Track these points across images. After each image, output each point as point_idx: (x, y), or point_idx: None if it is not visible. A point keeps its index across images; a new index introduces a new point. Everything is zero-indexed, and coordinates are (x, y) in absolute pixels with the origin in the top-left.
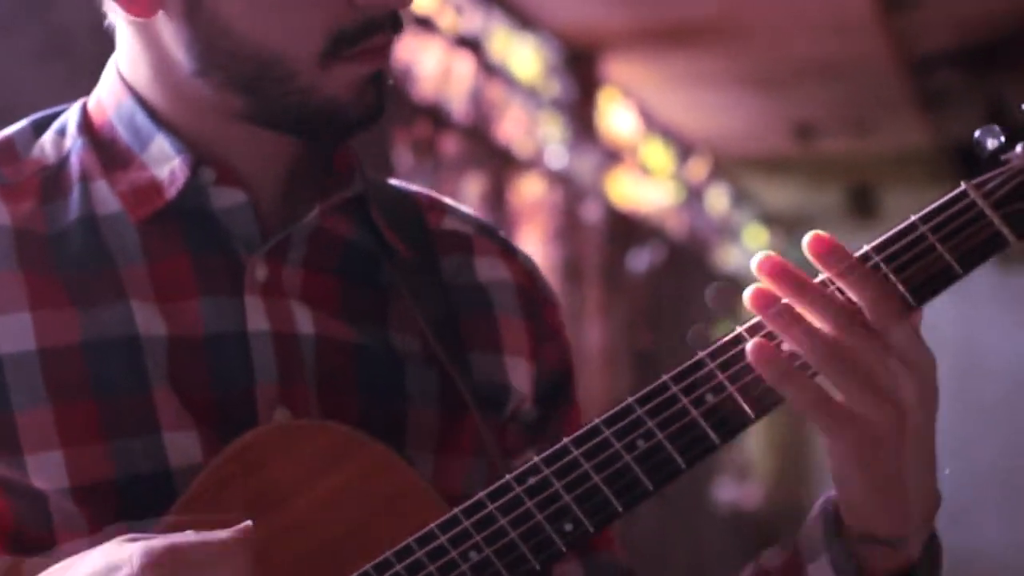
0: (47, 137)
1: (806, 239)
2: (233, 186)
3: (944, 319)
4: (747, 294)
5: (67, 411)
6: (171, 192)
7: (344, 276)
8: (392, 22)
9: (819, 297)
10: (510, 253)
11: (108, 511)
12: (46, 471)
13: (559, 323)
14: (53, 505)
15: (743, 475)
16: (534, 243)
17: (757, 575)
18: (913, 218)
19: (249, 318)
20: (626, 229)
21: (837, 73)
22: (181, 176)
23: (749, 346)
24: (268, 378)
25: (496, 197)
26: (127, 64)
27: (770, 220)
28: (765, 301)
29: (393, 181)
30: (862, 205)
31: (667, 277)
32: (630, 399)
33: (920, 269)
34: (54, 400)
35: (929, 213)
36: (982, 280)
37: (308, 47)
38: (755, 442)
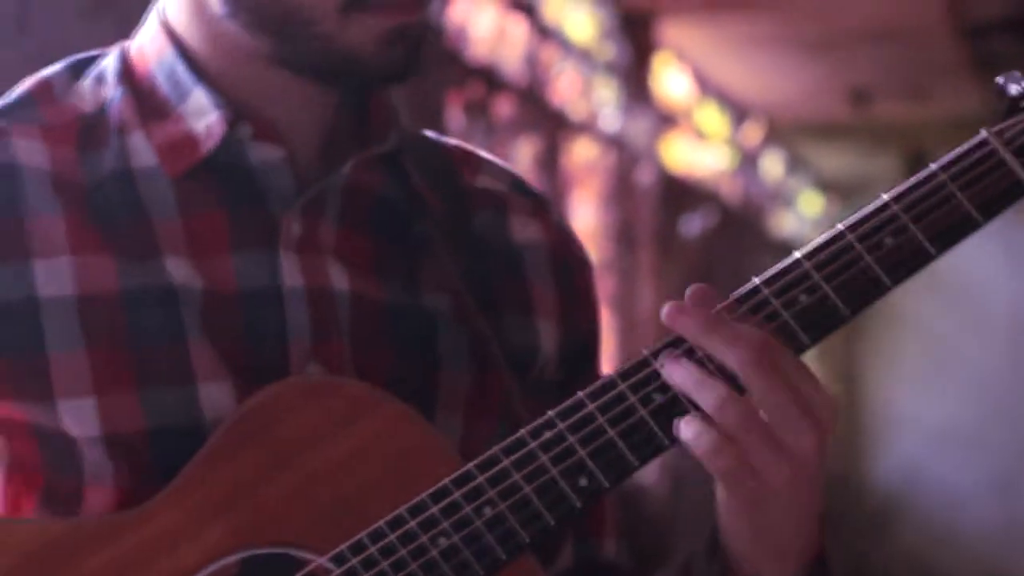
0: (86, 84)
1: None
2: (271, 141)
3: (995, 284)
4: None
5: (102, 358)
6: (207, 146)
7: (376, 233)
8: None
9: (725, 335)
10: (544, 211)
11: (138, 462)
12: (77, 417)
13: (590, 284)
14: (82, 453)
15: None
16: (587, 206)
17: None
18: (934, 166)
19: (284, 274)
20: (680, 193)
21: (894, 37)
22: (218, 130)
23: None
24: (301, 334)
25: (549, 160)
26: (170, 7)
27: (826, 186)
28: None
29: (428, 133)
30: (918, 171)
31: (720, 242)
32: (645, 352)
33: (940, 218)
34: (89, 346)
35: (950, 161)
36: None
37: None
38: None
